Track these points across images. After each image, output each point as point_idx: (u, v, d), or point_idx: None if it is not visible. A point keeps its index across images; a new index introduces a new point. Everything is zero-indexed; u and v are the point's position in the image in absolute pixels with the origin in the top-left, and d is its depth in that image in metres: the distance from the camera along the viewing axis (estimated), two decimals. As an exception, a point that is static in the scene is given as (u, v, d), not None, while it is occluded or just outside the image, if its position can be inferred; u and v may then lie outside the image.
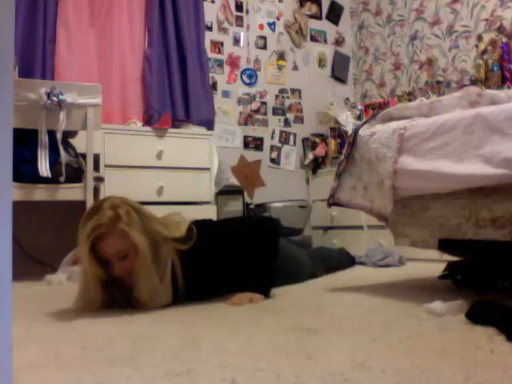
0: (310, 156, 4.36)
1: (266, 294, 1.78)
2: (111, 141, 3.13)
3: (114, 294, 1.67)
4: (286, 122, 4.48)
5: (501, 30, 3.47)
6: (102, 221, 1.53)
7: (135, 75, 3.79)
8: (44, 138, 2.50)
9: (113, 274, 1.60)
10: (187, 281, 1.68)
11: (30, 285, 2.41)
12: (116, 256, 1.57)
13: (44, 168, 2.49)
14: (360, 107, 4.27)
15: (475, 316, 1.26)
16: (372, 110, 3.97)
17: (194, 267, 1.70)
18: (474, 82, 3.53)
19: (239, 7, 4.36)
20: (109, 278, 1.61)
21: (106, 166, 3.08)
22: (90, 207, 1.68)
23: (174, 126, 3.45)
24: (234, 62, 4.29)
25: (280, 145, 4.43)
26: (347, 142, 2.03)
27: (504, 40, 3.41)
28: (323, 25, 4.75)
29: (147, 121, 3.65)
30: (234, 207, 3.69)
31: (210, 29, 4.18)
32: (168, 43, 3.85)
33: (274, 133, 4.41)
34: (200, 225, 1.80)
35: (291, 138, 4.48)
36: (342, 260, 2.89)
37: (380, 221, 2.06)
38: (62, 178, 2.57)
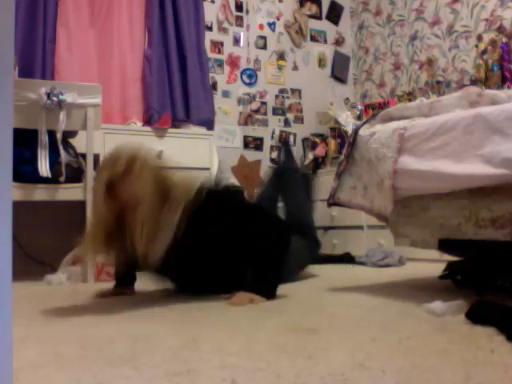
0: (310, 156, 4.35)
1: (268, 297, 1.75)
2: (111, 141, 3.12)
3: (118, 247, 1.73)
4: (286, 122, 4.48)
5: (501, 29, 3.47)
6: (116, 170, 1.63)
7: (135, 75, 3.79)
8: (44, 138, 2.50)
9: (123, 215, 1.68)
10: (185, 244, 1.69)
11: (30, 285, 2.41)
12: (127, 202, 1.66)
13: (44, 168, 2.49)
14: (360, 107, 4.27)
15: (475, 316, 1.26)
16: (372, 110, 3.97)
17: (196, 229, 1.72)
18: (474, 82, 3.53)
19: (239, 7, 4.36)
20: (118, 219, 1.68)
21: (106, 165, 3.08)
22: (108, 155, 1.72)
23: (174, 126, 3.45)
24: (234, 62, 4.29)
25: (280, 145, 4.43)
26: (347, 142, 2.03)
27: (504, 40, 3.41)
28: (323, 25, 4.75)
29: (147, 121, 3.65)
30: (234, 207, 3.68)
31: (210, 29, 4.18)
32: (168, 43, 3.85)
33: (274, 133, 4.41)
34: (217, 193, 1.85)
35: (291, 138, 4.48)
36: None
37: (380, 221, 2.06)
38: (62, 178, 2.57)
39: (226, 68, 4.26)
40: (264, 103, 4.40)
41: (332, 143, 4.23)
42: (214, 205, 1.78)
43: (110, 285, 2.10)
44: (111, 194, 1.65)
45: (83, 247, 1.75)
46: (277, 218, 2.06)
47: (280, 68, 4.50)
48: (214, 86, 4.16)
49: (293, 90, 4.54)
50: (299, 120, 4.54)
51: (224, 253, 1.81)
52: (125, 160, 1.66)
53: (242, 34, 4.35)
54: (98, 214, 1.68)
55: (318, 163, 4.32)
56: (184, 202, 1.71)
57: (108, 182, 1.63)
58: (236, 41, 4.32)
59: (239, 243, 1.80)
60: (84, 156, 2.66)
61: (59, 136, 2.54)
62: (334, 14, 4.81)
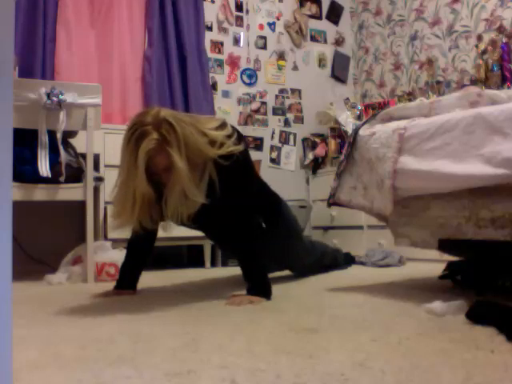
0: (310, 156, 4.36)
1: (267, 297, 1.78)
2: (111, 141, 3.12)
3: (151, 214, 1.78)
4: (286, 122, 4.48)
5: (501, 29, 3.47)
6: (150, 146, 1.61)
7: (135, 75, 3.79)
8: (44, 138, 2.50)
9: (160, 183, 1.72)
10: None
11: (30, 285, 2.41)
12: (162, 170, 1.68)
13: (44, 168, 2.48)
14: (360, 107, 4.27)
15: (475, 316, 1.26)
16: (372, 110, 3.97)
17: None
18: (474, 82, 3.53)
19: (239, 7, 4.36)
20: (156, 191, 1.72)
21: (106, 165, 3.08)
22: (133, 129, 1.65)
23: (174, 126, 3.44)
24: (234, 62, 4.29)
25: (280, 145, 4.43)
26: (347, 142, 2.03)
27: (504, 40, 3.41)
28: (323, 25, 4.75)
29: (147, 121, 3.64)
30: (234, 207, 3.68)
31: (210, 29, 4.18)
32: (168, 43, 3.85)
33: (274, 133, 4.41)
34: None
35: (291, 137, 4.48)
36: (334, 257, 2.87)
37: (380, 221, 2.07)
38: (62, 178, 2.57)
39: (226, 68, 4.26)
40: (264, 103, 4.40)
41: (332, 143, 4.23)
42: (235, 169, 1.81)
43: (110, 285, 2.10)
44: (148, 166, 1.65)
45: (120, 221, 1.76)
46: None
47: (280, 68, 4.50)
48: (214, 86, 4.16)
49: (293, 90, 4.54)
50: (299, 120, 4.54)
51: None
52: (153, 128, 1.62)
53: (242, 34, 4.35)
54: (136, 188, 1.66)
55: (317, 163, 4.32)
56: (215, 159, 1.73)
57: (147, 156, 1.61)
58: (236, 41, 4.32)
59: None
60: (84, 156, 2.66)
61: (59, 136, 2.54)
62: (334, 14, 4.81)
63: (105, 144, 3.10)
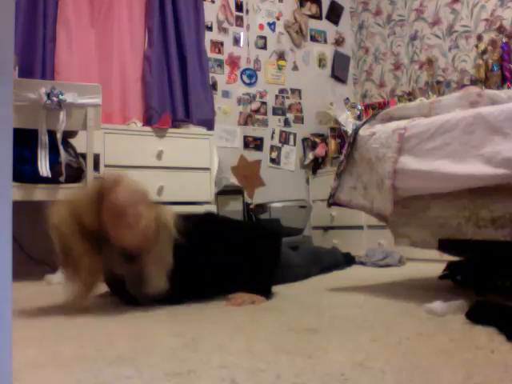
0: (310, 156, 4.36)
1: (268, 296, 1.78)
2: (111, 141, 3.13)
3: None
4: (286, 122, 4.48)
5: (501, 29, 3.47)
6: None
7: (135, 75, 3.79)
8: (44, 138, 2.50)
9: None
10: (181, 275, 1.64)
11: (29, 285, 2.41)
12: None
13: (44, 168, 2.48)
14: (360, 107, 4.27)
15: (475, 316, 1.26)
16: (372, 110, 3.97)
17: (186, 262, 1.68)
18: (474, 82, 3.53)
19: (239, 7, 4.35)
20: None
21: (106, 165, 3.08)
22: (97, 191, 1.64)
23: (173, 126, 3.45)
24: (234, 62, 4.29)
25: (280, 145, 4.43)
26: (347, 142, 2.03)
27: (504, 40, 3.41)
28: (323, 25, 4.75)
29: (147, 121, 3.65)
30: (234, 207, 3.69)
31: (210, 29, 4.18)
32: (168, 43, 3.85)
33: (274, 133, 4.41)
34: (200, 222, 1.80)
35: (291, 137, 4.48)
36: (335, 259, 2.89)
37: (380, 221, 2.07)
38: (62, 178, 2.57)
39: (226, 68, 4.26)
40: (264, 103, 4.39)
41: (332, 143, 4.23)
42: (204, 232, 1.76)
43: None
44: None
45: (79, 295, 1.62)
46: (260, 225, 2.09)
47: (280, 68, 4.50)
48: (214, 86, 4.16)
49: (293, 90, 4.54)
50: (299, 120, 4.54)
51: (222, 267, 1.80)
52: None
53: (242, 34, 4.35)
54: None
55: (318, 163, 4.32)
56: (172, 236, 1.64)
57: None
58: (236, 41, 4.32)
59: (236, 255, 1.80)
60: (84, 156, 2.65)
61: (59, 136, 2.54)
62: (334, 14, 4.81)
63: (105, 144, 3.10)
